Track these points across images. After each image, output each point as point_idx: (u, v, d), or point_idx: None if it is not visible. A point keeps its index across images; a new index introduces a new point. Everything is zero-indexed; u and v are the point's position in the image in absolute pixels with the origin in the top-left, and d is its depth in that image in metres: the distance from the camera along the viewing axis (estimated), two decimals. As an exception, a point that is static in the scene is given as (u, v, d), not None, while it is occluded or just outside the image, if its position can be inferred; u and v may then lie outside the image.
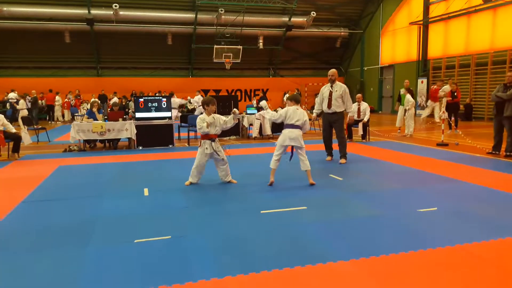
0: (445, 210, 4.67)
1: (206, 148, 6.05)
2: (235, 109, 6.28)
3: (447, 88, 14.10)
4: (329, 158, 8.27)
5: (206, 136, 6.08)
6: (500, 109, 8.32)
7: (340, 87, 7.86)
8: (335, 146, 8.18)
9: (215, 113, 6.25)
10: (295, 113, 6.02)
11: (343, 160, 7.95)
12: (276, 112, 6.28)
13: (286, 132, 5.99)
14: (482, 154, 8.60)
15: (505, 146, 8.36)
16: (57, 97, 20.93)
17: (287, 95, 25.22)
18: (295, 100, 6.19)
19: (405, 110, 12.49)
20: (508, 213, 4.55)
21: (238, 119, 12.36)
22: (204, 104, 6.22)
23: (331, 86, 7.89)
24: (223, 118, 6.27)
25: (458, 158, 8.17)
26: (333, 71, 7.95)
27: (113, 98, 21.13)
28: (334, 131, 8.08)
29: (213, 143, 6.07)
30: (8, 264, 3.40)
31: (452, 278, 3.00)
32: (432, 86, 16.42)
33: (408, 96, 12.51)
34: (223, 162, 6.19)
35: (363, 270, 3.15)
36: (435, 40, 21.00)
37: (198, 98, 18.63)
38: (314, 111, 8.48)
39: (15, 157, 9.04)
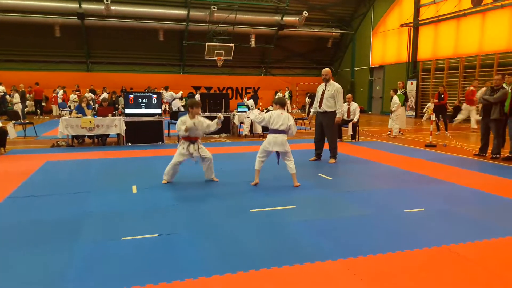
0: (432, 211, 4.72)
1: (183, 148, 6.02)
2: (219, 114, 6.23)
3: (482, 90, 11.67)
4: (313, 158, 8.23)
5: (186, 138, 6.04)
6: (487, 111, 8.43)
7: (333, 87, 7.77)
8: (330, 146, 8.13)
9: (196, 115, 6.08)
10: (279, 117, 5.85)
11: (332, 160, 7.96)
12: (261, 113, 6.23)
13: (270, 137, 5.87)
14: (469, 156, 8.70)
15: (491, 148, 8.47)
16: (60, 92, 20.70)
17: (279, 93, 25.32)
18: (280, 103, 6.03)
19: (392, 111, 12.59)
20: (494, 214, 4.62)
21: (229, 117, 12.35)
22: (189, 106, 6.15)
23: (325, 85, 7.85)
24: (207, 122, 6.15)
25: (446, 160, 8.26)
26: (326, 70, 7.90)
27: (102, 93, 20.94)
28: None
29: (192, 145, 6.01)
30: (-8, 260, 3.35)
31: (439, 278, 3.04)
32: (468, 88, 15.20)
33: (395, 98, 12.62)
34: (202, 159, 6.15)
35: (350, 270, 3.17)
36: (425, 42, 21.18)
37: (168, 95, 18.39)
38: (311, 109, 8.48)
39: (1, 152, 8.92)
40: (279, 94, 25.50)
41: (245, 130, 12.36)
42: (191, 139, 6.03)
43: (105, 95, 20.14)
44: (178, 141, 11.15)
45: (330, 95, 7.74)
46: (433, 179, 6.50)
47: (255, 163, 6.06)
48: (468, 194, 5.59)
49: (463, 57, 18.63)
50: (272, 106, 18.64)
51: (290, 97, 26.35)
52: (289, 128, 5.90)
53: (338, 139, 11.44)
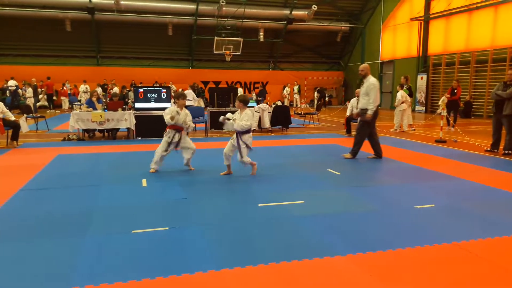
0: (442, 207, 4.69)
1: (168, 137, 6.41)
2: (222, 117, 6.35)
3: None
4: (372, 156, 7.87)
5: (171, 127, 6.43)
6: (500, 107, 8.33)
7: (367, 83, 7.46)
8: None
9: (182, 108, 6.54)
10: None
11: (347, 155, 7.84)
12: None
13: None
14: (480, 152, 8.62)
15: (504, 144, 8.38)
16: (83, 86, 20.89)
17: (286, 88, 25.22)
18: (244, 102, 6.17)
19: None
20: (505, 211, 4.58)
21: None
22: (175, 98, 6.63)
23: (363, 82, 7.59)
24: (189, 116, 6.59)
25: (456, 155, 8.19)
26: (362, 66, 7.63)
27: (113, 88, 21.06)
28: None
29: (177, 134, 6.42)
30: (5, 252, 3.41)
31: (448, 275, 3.03)
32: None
33: (398, 93, 12.60)
34: (189, 149, 6.51)
35: (360, 265, 3.17)
36: (435, 37, 20.94)
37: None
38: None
39: (14, 145, 9.04)
40: (287, 89, 25.42)
41: (253, 125, 12.35)
42: (176, 128, 6.42)
43: (116, 89, 20.27)
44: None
45: (364, 91, 7.50)
46: (444, 175, 6.45)
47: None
48: (479, 190, 5.55)
49: (474, 52, 18.39)
50: (279, 101, 18.56)
51: (299, 92, 26.27)
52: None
53: (347, 134, 11.47)
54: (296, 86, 25.92)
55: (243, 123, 5.96)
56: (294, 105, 25.16)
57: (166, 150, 6.45)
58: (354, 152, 7.80)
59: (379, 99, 7.57)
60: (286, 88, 25.30)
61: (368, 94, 7.42)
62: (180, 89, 19.95)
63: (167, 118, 6.32)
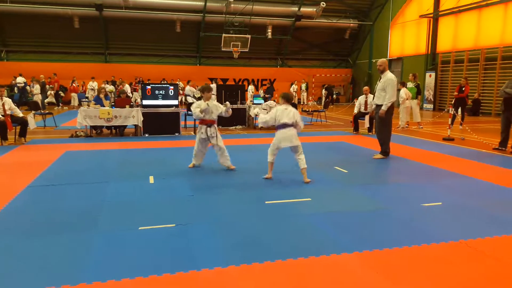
0: (450, 205, 4.66)
1: (202, 132, 6.33)
2: (227, 102, 6.48)
3: None
4: (377, 156, 7.65)
5: (202, 122, 6.35)
6: (508, 105, 8.26)
7: (385, 78, 7.33)
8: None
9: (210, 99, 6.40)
10: (284, 113, 5.68)
11: (377, 156, 7.60)
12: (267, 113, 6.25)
13: (278, 134, 5.74)
14: (488, 150, 8.55)
15: (512, 143, 8.31)
16: (91, 83, 20.93)
17: (294, 85, 25.12)
18: (286, 98, 5.84)
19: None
20: (513, 210, 4.54)
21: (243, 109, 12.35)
22: (200, 91, 6.49)
23: (380, 77, 7.48)
24: (220, 106, 6.46)
25: (464, 153, 8.13)
26: (381, 60, 7.50)
27: (123, 85, 21.07)
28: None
29: (208, 129, 6.31)
30: (13, 248, 3.45)
31: (455, 273, 3.01)
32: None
33: (401, 91, 12.58)
34: (217, 147, 6.38)
35: (366, 263, 3.16)
36: (444, 34, 20.76)
37: (188, 90, 18.28)
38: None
39: (22, 142, 9.12)
40: (294, 86, 25.33)
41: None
42: (207, 122, 6.31)
43: (126, 86, 20.29)
44: (194, 132, 11.24)
45: (381, 87, 7.35)
46: (451, 173, 6.41)
47: (268, 157, 5.96)
48: (487, 188, 5.50)
49: (484, 49, 18.21)
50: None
51: (307, 89, 26.19)
52: (296, 123, 5.72)
53: (354, 132, 11.43)
54: (303, 83, 25.86)
55: (300, 125, 5.84)
56: (302, 103, 25.06)
57: (201, 146, 6.44)
58: (385, 152, 7.58)
59: (396, 95, 7.45)
60: (293, 86, 25.21)
61: (384, 90, 7.29)
62: (205, 83, 19.94)
63: (196, 111, 6.21)
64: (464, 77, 14.13)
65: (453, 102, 12.97)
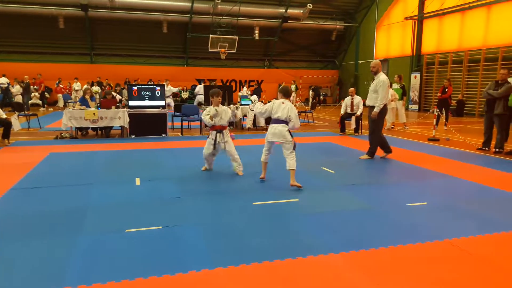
0: (435, 205, 4.72)
1: (212, 138, 6.22)
2: (231, 105, 6.37)
3: None
4: (382, 154, 7.72)
5: (212, 127, 6.24)
6: (491, 106, 8.40)
7: (377, 79, 7.28)
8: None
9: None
10: (280, 107, 5.52)
11: (364, 156, 7.65)
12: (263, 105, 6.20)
13: (270, 128, 5.63)
14: (472, 150, 8.68)
15: (495, 143, 8.45)
16: (74, 84, 20.67)
17: (282, 86, 24.97)
18: (284, 93, 5.70)
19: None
20: (496, 208, 4.62)
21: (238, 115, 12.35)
22: (210, 96, 6.35)
23: (373, 79, 7.42)
24: (229, 111, 6.35)
25: (449, 154, 8.25)
26: (374, 62, 7.46)
27: (105, 88, 20.83)
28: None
29: (218, 134, 6.19)
30: (-2, 251, 3.39)
31: (441, 272, 3.05)
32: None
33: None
34: (228, 153, 6.27)
35: (353, 263, 3.18)
36: (429, 36, 21.04)
37: (167, 90, 18.30)
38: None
39: (5, 143, 8.97)
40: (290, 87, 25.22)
41: (248, 123, 12.36)
42: (216, 128, 6.22)
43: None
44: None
45: (373, 88, 7.33)
46: (436, 173, 6.50)
47: (262, 156, 5.93)
48: (470, 188, 5.59)
49: (467, 51, 18.50)
50: (275, 99, 18.47)
51: (296, 90, 26.18)
52: (289, 119, 5.47)
53: (341, 133, 11.50)
54: (293, 84, 25.82)
55: (294, 122, 5.58)
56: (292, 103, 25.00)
57: (212, 152, 6.28)
58: (371, 152, 7.61)
59: (388, 97, 7.45)
60: (282, 86, 25.09)
61: (376, 91, 7.25)
62: (214, 88, 19.93)
63: (206, 118, 6.09)
64: (447, 79, 14.34)
65: (437, 103, 13.17)
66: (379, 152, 7.77)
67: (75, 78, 21.24)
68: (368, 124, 7.79)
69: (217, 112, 6.16)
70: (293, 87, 25.34)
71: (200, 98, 17.86)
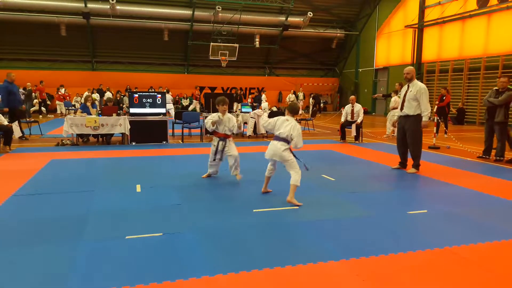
0: (435, 213, 4.72)
1: (214, 145, 6.28)
2: (238, 119, 6.45)
3: None
4: (395, 166, 7.48)
5: (215, 133, 6.30)
6: (492, 114, 8.42)
7: (416, 87, 6.91)
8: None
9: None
10: (283, 124, 5.24)
11: (412, 170, 7.18)
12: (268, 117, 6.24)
13: (270, 144, 5.36)
14: (473, 158, 8.69)
15: (495, 151, 8.46)
16: (62, 90, 20.77)
17: (290, 95, 24.44)
18: (290, 110, 5.38)
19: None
20: (497, 217, 4.62)
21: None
22: (216, 104, 6.38)
23: (408, 86, 7.09)
24: (234, 120, 6.34)
25: (449, 162, 8.26)
26: (409, 68, 7.13)
27: (105, 92, 20.89)
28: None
29: (220, 142, 6.24)
30: (-2, 257, 3.39)
31: (441, 280, 3.05)
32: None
33: (393, 98, 12.93)
34: (231, 156, 6.29)
35: (353, 271, 3.18)
36: (429, 44, 21.14)
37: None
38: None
39: (6, 150, 8.99)
40: (291, 96, 24.74)
41: (248, 130, 12.39)
42: (219, 136, 6.27)
43: (108, 94, 20.18)
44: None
45: (413, 96, 6.91)
46: (436, 181, 6.50)
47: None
48: (471, 196, 5.59)
49: (467, 59, 18.59)
50: (275, 107, 18.57)
51: (304, 98, 25.80)
52: (290, 138, 5.16)
53: (341, 141, 11.52)
54: (301, 92, 25.38)
55: (296, 142, 5.24)
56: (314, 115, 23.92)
57: (214, 159, 6.34)
58: (417, 164, 7.22)
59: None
60: (290, 95, 24.64)
61: (417, 99, 6.89)
62: (222, 96, 20.09)
63: (208, 123, 6.13)
64: (444, 87, 14.39)
65: (435, 111, 13.21)
66: (394, 163, 7.68)
67: (60, 85, 21.04)
68: (409, 135, 7.16)
69: (220, 120, 6.19)
70: (300, 94, 25.02)
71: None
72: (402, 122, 7.21)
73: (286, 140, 5.19)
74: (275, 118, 5.51)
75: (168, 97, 19.23)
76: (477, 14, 17.94)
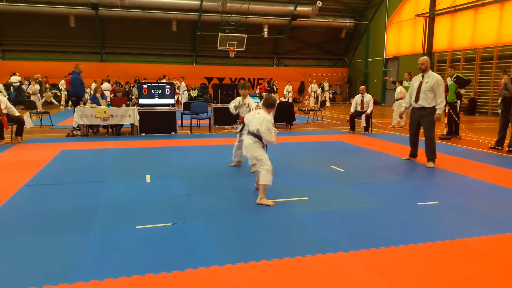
0: (446, 204, 4.68)
1: (236, 127, 6.33)
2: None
3: None
4: (406, 157, 7.28)
5: (240, 117, 6.40)
6: (507, 105, 8.29)
7: (433, 78, 6.65)
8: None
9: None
10: (254, 117, 4.76)
11: (430, 164, 6.85)
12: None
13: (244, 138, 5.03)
14: (485, 149, 8.58)
15: (508, 142, 8.34)
16: (62, 81, 20.87)
17: (312, 85, 23.69)
18: (263, 103, 4.84)
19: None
20: (509, 208, 4.56)
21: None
22: (237, 88, 6.62)
23: (422, 77, 6.77)
24: (253, 105, 6.33)
25: (461, 152, 8.17)
26: (423, 59, 6.82)
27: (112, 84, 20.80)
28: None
29: (240, 125, 6.26)
30: (9, 247, 3.43)
31: (452, 272, 3.02)
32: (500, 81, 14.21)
33: (397, 89, 12.92)
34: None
35: (362, 262, 3.17)
36: (440, 33, 20.83)
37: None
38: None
39: (18, 141, 9.08)
40: (313, 86, 23.30)
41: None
42: (241, 119, 6.26)
43: (106, 85, 20.05)
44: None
45: (429, 88, 6.62)
46: (447, 172, 6.44)
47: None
48: (483, 187, 5.53)
49: (480, 48, 18.29)
50: (284, 97, 18.46)
51: (330, 88, 24.23)
52: (258, 133, 4.68)
53: (350, 131, 11.45)
54: (326, 83, 24.24)
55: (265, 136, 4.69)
56: (325, 105, 22.66)
57: (238, 141, 6.43)
58: (434, 157, 6.93)
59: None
60: (312, 85, 23.57)
61: (433, 91, 6.62)
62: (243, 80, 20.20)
63: (231, 107, 6.40)
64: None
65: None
66: (403, 154, 7.59)
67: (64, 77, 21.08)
68: (425, 127, 6.92)
69: (241, 104, 6.38)
70: (326, 85, 23.93)
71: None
72: (417, 114, 6.92)
73: (256, 135, 4.74)
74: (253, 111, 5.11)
75: (183, 85, 21.70)
76: (490, 2, 17.61)
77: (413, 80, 7.05)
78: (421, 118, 6.88)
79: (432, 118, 6.76)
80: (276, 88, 23.66)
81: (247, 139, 4.80)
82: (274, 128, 4.82)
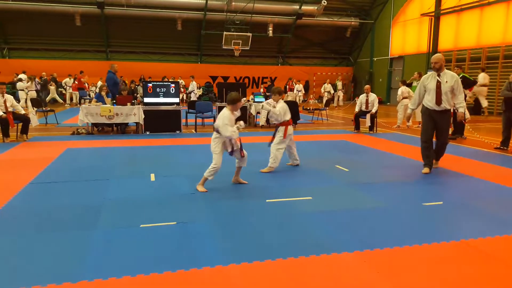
0: (451, 205, 4.66)
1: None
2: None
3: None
4: (426, 170, 6.35)
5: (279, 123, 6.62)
6: (510, 105, 8.24)
7: (452, 77, 6.08)
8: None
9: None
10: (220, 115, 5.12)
11: (434, 164, 6.59)
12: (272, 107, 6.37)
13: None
14: (490, 149, 8.54)
15: (514, 142, 8.30)
16: (67, 79, 20.95)
17: (325, 85, 23.39)
18: (227, 100, 5.21)
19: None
20: (514, 209, 4.54)
21: (246, 106, 12.36)
22: (272, 93, 6.76)
23: (439, 75, 6.13)
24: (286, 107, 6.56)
25: (466, 153, 8.13)
26: (438, 56, 6.16)
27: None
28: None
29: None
30: (14, 245, 3.45)
31: (457, 273, 3.01)
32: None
33: (399, 89, 12.84)
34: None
35: (367, 262, 3.16)
36: (446, 32, 20.72)
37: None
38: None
39: (23, 139, 9.13)
40: (326, 86, 23.08)
41: (261, 120, 12.35)
42: (276, 125, 6.65)
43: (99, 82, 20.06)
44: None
45: (449, 88, 6.04)
46: (452, 172, 6.41)
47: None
48: (488, 188, 5.50)
49: (485, 48, 18.17)
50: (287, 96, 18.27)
51: (343, 88, 24.03)
52: (217, 127, 5.06)
53: (355, 131, 11.42)
54: (339, 81, 23.99)
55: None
56: (336, 105, 22.44)
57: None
58: (439, 158, 6.69)
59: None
60: (325, 85, 23.27)
61: (453, 91, 6.10)
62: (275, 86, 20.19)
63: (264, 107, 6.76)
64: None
65: None
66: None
67: (68, 75, 21.16)
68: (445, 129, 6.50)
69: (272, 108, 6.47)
70: (339, 84, 23.60)
71: None
72: (436, 117, 6.22)
73: (217, 130, 5.12)
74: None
75: (194, 84, 22.69)
76: (496, 1, 17.49)
77: (423, 80, 6.36)
78: (440, 120, 6.24)
79: (449, 119, 6.41)
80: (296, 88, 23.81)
81: (213, 134, 5.19)
82: (239, 124, 5.19)
